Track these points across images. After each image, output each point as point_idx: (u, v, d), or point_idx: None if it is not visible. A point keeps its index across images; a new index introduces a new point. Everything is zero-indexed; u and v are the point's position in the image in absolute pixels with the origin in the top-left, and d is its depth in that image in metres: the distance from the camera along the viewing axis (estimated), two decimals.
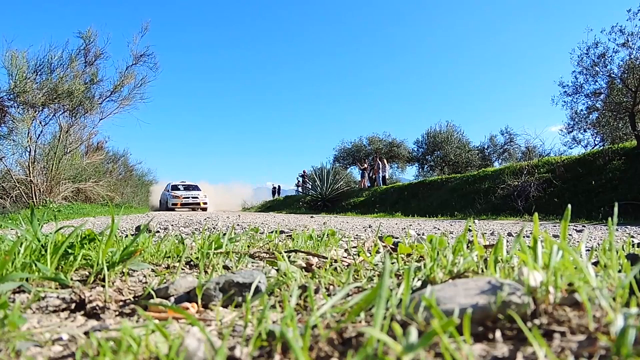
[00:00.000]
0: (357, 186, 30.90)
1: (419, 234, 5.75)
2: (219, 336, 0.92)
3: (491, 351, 0.72)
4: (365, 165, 30.82)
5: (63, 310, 1.15)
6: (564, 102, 21.96)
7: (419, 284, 1.16)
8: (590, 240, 5.33)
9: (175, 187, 29.96)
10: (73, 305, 1.16)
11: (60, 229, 1.66)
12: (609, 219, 1.09)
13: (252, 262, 2.00)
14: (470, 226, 1.41)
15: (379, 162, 29.04)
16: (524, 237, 1.22)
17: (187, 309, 1.13)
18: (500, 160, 33.71)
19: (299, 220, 11.98)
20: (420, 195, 22.16)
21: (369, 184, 29.62)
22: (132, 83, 20.87)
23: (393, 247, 2.38)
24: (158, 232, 6.01)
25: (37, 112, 19.58)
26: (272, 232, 3.34)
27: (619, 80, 18.84)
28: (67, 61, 19.67)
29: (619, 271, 1.13)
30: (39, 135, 20.45)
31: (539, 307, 0.84)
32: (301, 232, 2.90)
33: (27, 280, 1.32)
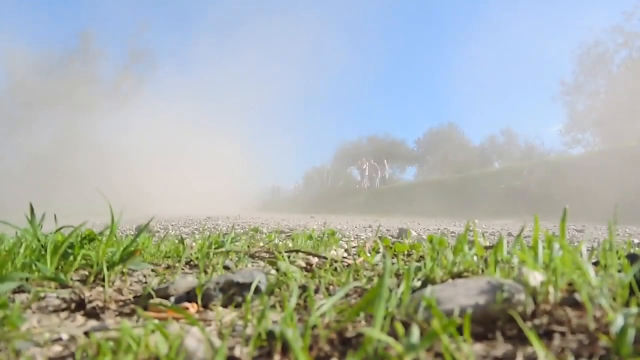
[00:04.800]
0: (357, 186, 30.88)
1: (419, 234, 5.76)
2: (218, 336, 0.92)
3: (491, 351, 0.72)
4: (365, 165, 30.79)
5: (63, 310, 1.15)
6: (564, 101, 22.00)
7: (419, 284, 1.16)
8: (590, 240, 5.34)
9: None
10: (73, 305, 1.16)
11: (60, 228, 1.66)
12: (609, 219, 1.09)
13: (252, 262, 2.00)
14: (470, 226, 1.41)
15: (378, 162, 29.04)
16: (524, 237, 1.22)
17: (187, 309, 1.13)
18: (500, 160, 33.73)
19: (299, 220, 11.98)
20: (420, 195, 22.16)
21: (369, 184, 29.61)
22: (131, 82, 20.93)
23: (392, 247, 2.38)
24: (158, 231, 6.01)
25: (36, 112, 19.65)
26: (272, 232, 3.34)
27: (618, 80, 18.84)
28: (66, 61, 19.75)
29: (619, 271, 1.13)
30: (39, 135, 20.53)
31: (539, 307, 0.84)
32: (301, 232, 2.90)
33: (27, 280, 1.32)
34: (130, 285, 1.44)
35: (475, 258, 1.28)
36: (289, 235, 3.43)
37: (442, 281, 1.14)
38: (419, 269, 1.24)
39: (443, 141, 34.22)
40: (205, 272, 1.65)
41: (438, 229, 7.56)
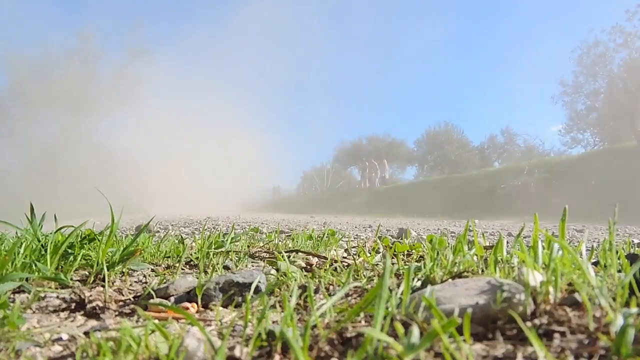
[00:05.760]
0: (357, 186, 30.89)
1: (418, 234, 5.76)
2: (219, 336, 0.92)
3: (491, 351, 0.72)
4: (368, 164, 30.75)
5: (63, 310, 1.15)
6: (564, 101, 22.02)
7: (419, 284, 1.16)
8: (590, 240, 5.34)
9: None
10: (73, 305, 1.16)
11: (60, 228, 1.66)
12: (610, 219, 1.09)
13: (252, 262, 2.00)
14: (470, 226, 1.41)
15: (378, 162, 29.03)
16: (523, 237, 1.22)
17: (187, 309, 1.13)
18: (500, 160, 33.71)
19: (299, 220, 11.99)
20: (420, 195, 22.16)
21: (369, 184, 29.61)
22: (129, 80, 20.91)
23: (392, 247, 2.38)
24: (158, 232, 6.01)
25: (36, 112, 19.65)
26: (272, 232, 3.34)
27: (618, 80, 18.85)
28: (66, 61, 19.75)
29: (619, 271, 1.13)
30: (39, 135, 20.53)
31: (539, 307, 0.84)
32: (301, 232, 2.90)
33: (27, 280, 1.32)
34: (131, 285, 1.44)
35: (475, 258, 1.28)
36: (289, 235, 3.43)
37: (442, 281, 1.14)
38: (418, 269, 1.24)
39: (443, 141, 34.20)
40: (206, 272, 1.65)
41: (438, 229, 7.57)
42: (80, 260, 1.50)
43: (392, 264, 1.58)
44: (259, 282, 1.22)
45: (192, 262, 1.93)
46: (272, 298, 1.23)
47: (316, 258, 1.94)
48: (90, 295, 1.20)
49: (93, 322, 1.04)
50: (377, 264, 1.70)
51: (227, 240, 2.19)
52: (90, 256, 1.55)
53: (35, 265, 1.35)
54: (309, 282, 1.30)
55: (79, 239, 1.57)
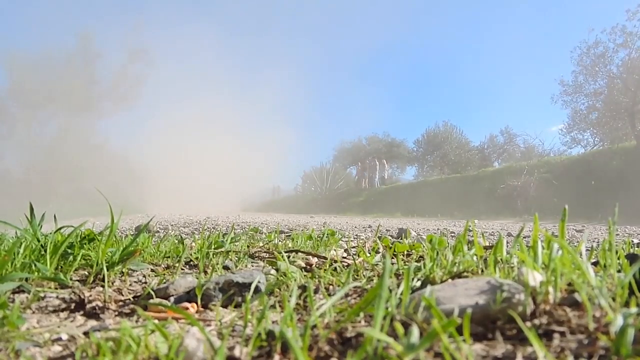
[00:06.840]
0: (357, 186, 30.88)
1: (418, 234, 5.75)
2: (218, 336, 0.92)
3: (491, 351, 0.72)
4: (368, 164, 30.71)
5: (63, 310, 1.14)
6: (564, 101, 22.02)
7: (418, 284, 1.16)
8: (589, 240, 5.34)
9: None
10: (73, 305, 1.16)
11: (60, 228, 1.66)
12: (609, 218, 1.09)
13: (252, 262, 2.00)
14: (470, 226, 1.41)
15: (378, 162, 29.03)
16: (523, 237, 1.22)
17: (187, 309, 1.13)
18: (500, 160, 33.65)
19: (299, 220, 11.99)
20: (420, 195, 22.16)
21: (369, 184, 29.61)
22: (130, 81, 20.91)
23: (392, 247, 2.37)
24: (158, 232, 6.01)
25: (36, 112, 19.65)
26: (271, 232, 3.34)
27: (618, 80, 18.85)
28: (65, 61, 19.75)
29: (619, 271, 1.13)
30: (39, 135, 20.53)
31: (539, 307, 0.84)
32: (301, 233, 2.90)
33: (26, 280, 1.31)
34: (130, 285, 1.44)
35: (474, 258, 1.28)
36: (289, 236, 3.43)
37: (442, 281, 1.14)
38: (418, 269, 1.24)
39: (442, 141, 34.14)
40: (205, 272, 1.65)
41: (438, 229, 7.57)
42: (79, 261, 1.50)
43: (392, 264, 1.58)
44: (259, 282, 1.22)
45: (191, 262, 1.93)
46: (272, 298, 1.23)
47: (316, 258, 1.94)
48: (90, 295, 1.20)
49: (93, 322, 1.04)
50: (377, 264, 1.70)
51: (226, 240, 2.19)
52: (89, 256, 1.55)
53: (35, 265, 1.35)
54: (308, 282, 1.30)
55: (79, 239, 1.57)
